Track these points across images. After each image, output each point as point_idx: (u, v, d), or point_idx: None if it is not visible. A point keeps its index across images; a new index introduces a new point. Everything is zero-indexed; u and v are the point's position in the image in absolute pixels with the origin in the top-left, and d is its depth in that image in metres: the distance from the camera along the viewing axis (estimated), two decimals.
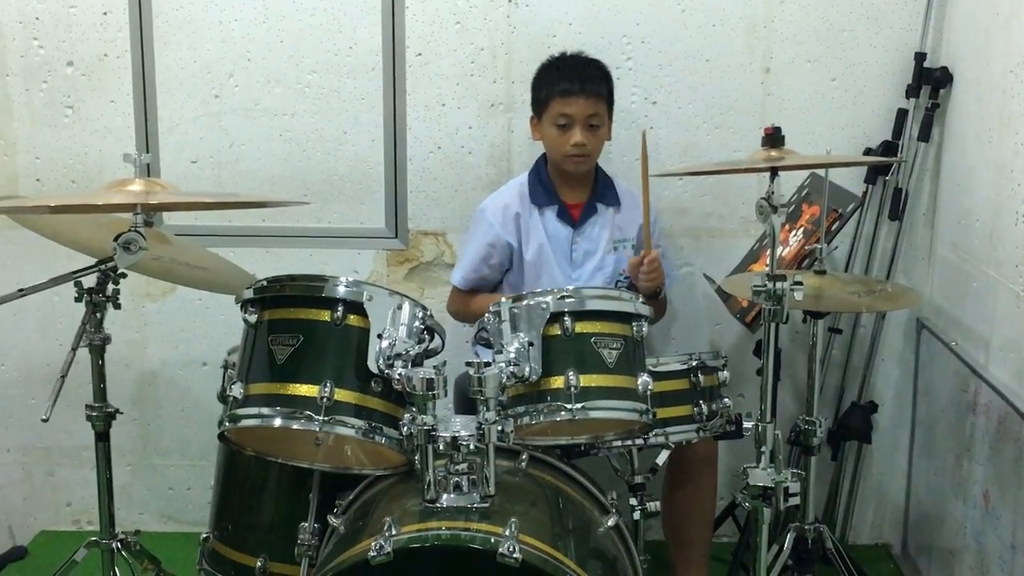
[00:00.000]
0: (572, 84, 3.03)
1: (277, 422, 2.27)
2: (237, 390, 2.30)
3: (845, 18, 3.36)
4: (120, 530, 2.66)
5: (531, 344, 2.32)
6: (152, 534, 3.55)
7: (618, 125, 3.36)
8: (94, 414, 2.57)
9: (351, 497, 2.47)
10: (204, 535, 2.86)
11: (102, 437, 2.59)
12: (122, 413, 2.64)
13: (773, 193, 2.32)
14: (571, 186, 3.17)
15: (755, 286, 2.34)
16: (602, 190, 3.19)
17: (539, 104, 3.12)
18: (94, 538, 2.63)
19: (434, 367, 2.22)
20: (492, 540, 2.05)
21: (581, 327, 2.36)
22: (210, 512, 2.91)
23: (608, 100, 3.11)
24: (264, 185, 3.49)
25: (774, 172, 2.38)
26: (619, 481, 2.75)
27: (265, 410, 2.28)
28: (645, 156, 2.92)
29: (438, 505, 2.20)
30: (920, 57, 3.32)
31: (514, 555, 2.01)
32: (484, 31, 3.40)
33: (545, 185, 3.16)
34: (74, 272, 2.36)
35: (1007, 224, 2.81)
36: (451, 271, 3.41)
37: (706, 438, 2.76)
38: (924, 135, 3.33)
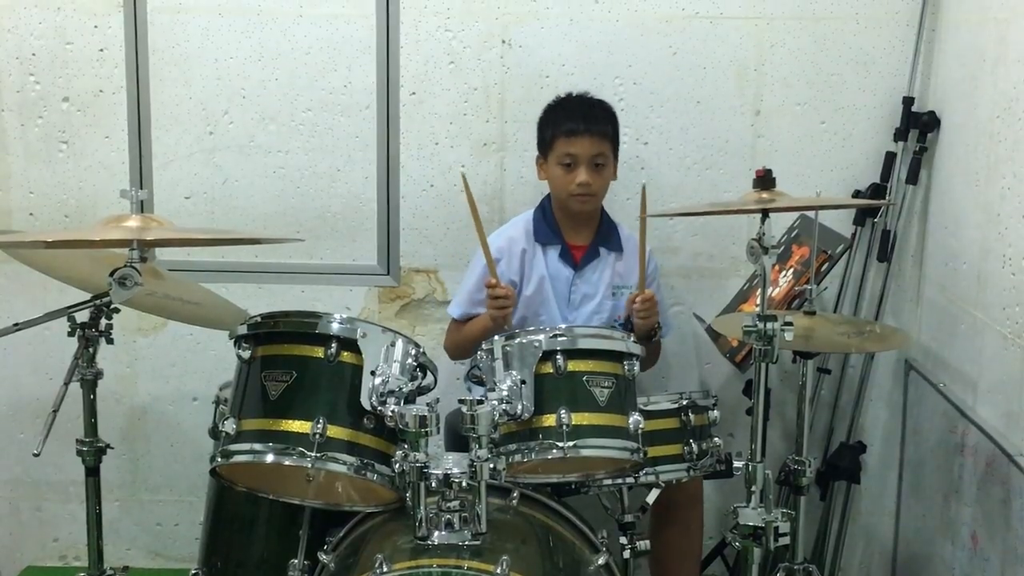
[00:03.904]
0: (577, 124, 3.04)
1: (269, 458, 2.27)
2: (229, 426, 2.31)
3: (834, 62, 3.40)
4: (108, 566, 2.64)
5: (523, 382, 2.33)
6: (140, 570, 3.54)
7: None
8: (85, 449, 2.56)
9: (342, 534, 2.47)
10: (193, 571, 2.85)
11: (92, 472, 2.58)
12: (112, 448, 2.63)
13: (764, 234, 2.35)
14: (576, 227, 3.16)
15: (746, 326, 2.36)
16: (606, 234, 3.18)
17: (544, 144, 3.13)
18: (82, 574, 2.61)
19: (427, 404, 2.23)
20: None
21: (573, 365, 2.37)
22: (199, 548, 2.91)
23: (613, 140, 3.11)
24: (257, 221, 3.50)
25: (765, 214, 2.40)
26: (609, 520, 2.75)
27: (257, 446, 2.28)
28: (644, 206, 2.91)
29: (429, 542, 2.20)
30: (908, 101, 3.36)
31: None
32: (478, 71, 3.43)
33: (550, 224, 3.16)
34: (69, 307, 2.38)
35: (994, 267, 2.84)
36: (443, 308, 3.44)
37: (695, 477, 2.77)
38: (912, 178, 3.36)
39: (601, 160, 3.06)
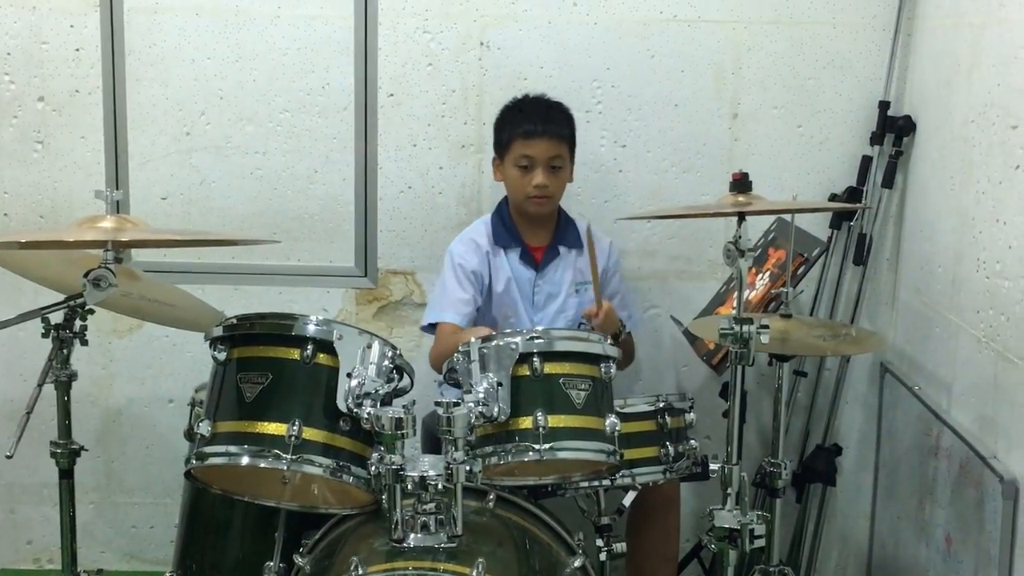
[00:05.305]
0: (535, 126, 3.06)
1: (244, 460, 2.26)
2: (205, 428, 2.29)
3: (811, 66, 3.42)
4: (82, 569, 2.62)
5: (500, 384, 2.33)
6: (114, 573, 3.52)
7: (587, 168, 3.40)
8: (59, 451, 2.54)
9: (317, 536, 2.46)
10: (168, 574, 2.84)
11: (66, 474, 2.57)
12: (87, 450, 2.62)
13: (740, 237, 2.35)
14: (533, 228, 3.18)
15: (722, 329, 2.37)
16: (564, 232, 3.20)
17: (501, 145, 3.14)
18: None
19: (403, 406, 2.22)
20: None
21: (550, 368, 2.37)
22: (174, 551, 2.90)
23: (570, 142, 3.13)
24: (234, 223, 3.48)
25: (741, 217, 2.41)
26: (585, 522, 2.75)
27: (232, 448, 2.27)
28: (591, 243, 2.91)
29: (405, 545, 2.20)
30: (884, 105, 3.37)
31: None
32: (456, 73, 3.43)
33: (508, 227, 3.17)
34: (43, 308, 2.37)
35: (968, 271, 2.86)
36: (420, 310, 3.42)
37: (672, 479, 2.77)
38: (888, 182, 3.38)
39: (558, 162, 3.07)
